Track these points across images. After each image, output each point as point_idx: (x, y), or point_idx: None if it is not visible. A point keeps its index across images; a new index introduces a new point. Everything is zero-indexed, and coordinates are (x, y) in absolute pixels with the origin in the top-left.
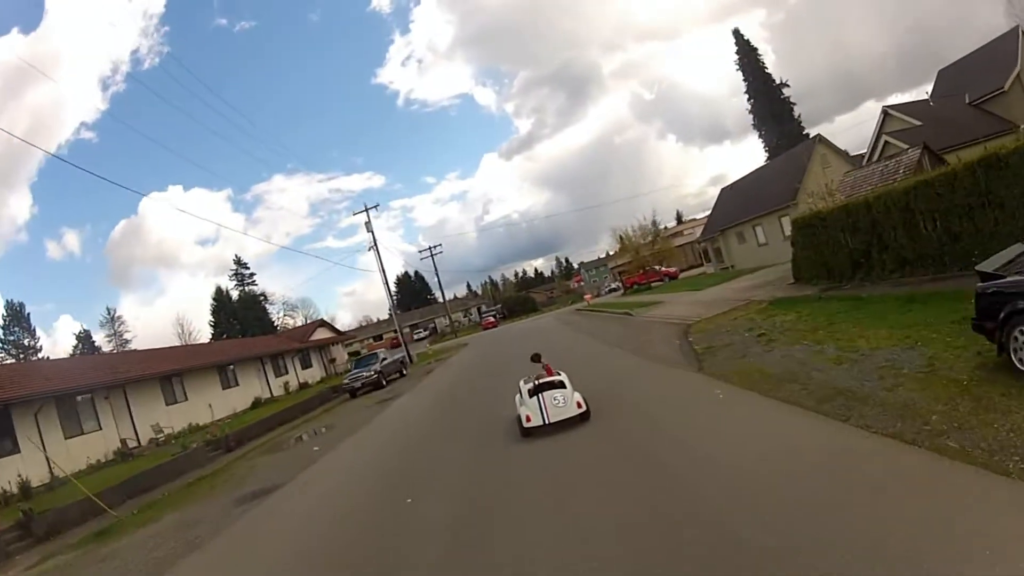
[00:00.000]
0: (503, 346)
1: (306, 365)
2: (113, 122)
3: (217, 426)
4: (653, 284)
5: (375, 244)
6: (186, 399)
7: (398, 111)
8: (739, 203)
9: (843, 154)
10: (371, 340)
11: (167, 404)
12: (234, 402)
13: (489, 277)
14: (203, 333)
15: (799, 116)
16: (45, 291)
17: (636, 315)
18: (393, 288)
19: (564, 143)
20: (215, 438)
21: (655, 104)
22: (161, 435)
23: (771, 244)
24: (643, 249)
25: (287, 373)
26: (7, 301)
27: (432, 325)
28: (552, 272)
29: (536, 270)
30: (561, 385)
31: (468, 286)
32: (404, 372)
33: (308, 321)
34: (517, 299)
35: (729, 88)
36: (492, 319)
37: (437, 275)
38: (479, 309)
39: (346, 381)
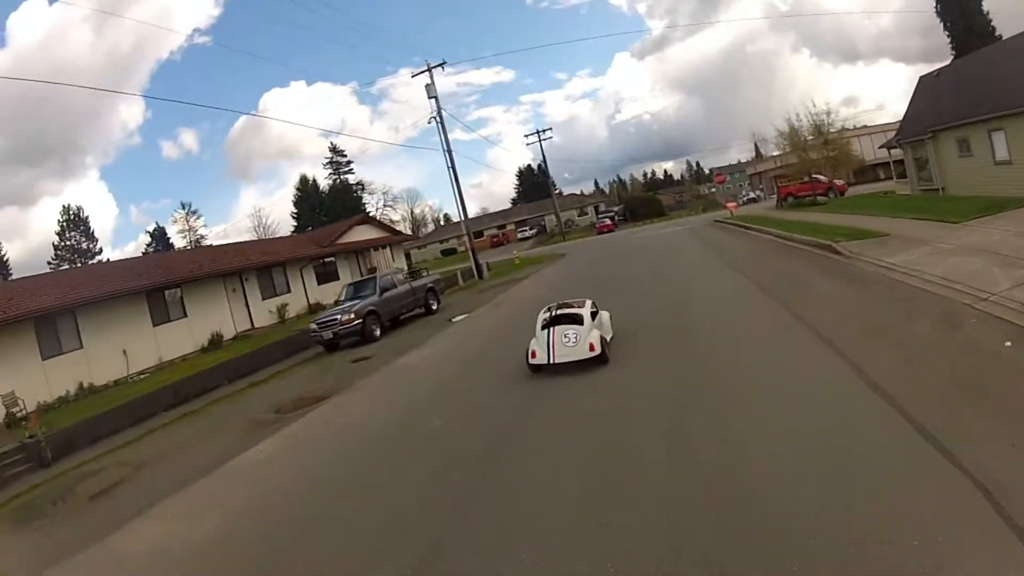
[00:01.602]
0: (609, 266)
1: (330, 278)
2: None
3: (35, 420)
4: (819, 199)
5: (439, 114)
6: (80, 346)
7: (527, 8)
8: (962, 96)
9: None
10: (455, 240)
11: (44, 357)
12: (180, 341)
13: (617, 176)
14: (284, 226)
15: (988, 12)
16: (164, 191)
17: (856, 258)
18: (514, 181)
19: (697, 47)
20: (33, 438)
21: (789, 16)
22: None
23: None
24: (815, 150)
25: (288, 292)
26: (63, 206)
27: (543, 223)
28: (682, 176)
29: (665, 172)
30: (577, 320)
31: (595, 183)
32: (433, 306)
33: (413, 215)
34: (641, 200)
35: (865, 4)
36: (609, 221)
37: (545, 163)
38: (596, 208)
39: (313, 327)
